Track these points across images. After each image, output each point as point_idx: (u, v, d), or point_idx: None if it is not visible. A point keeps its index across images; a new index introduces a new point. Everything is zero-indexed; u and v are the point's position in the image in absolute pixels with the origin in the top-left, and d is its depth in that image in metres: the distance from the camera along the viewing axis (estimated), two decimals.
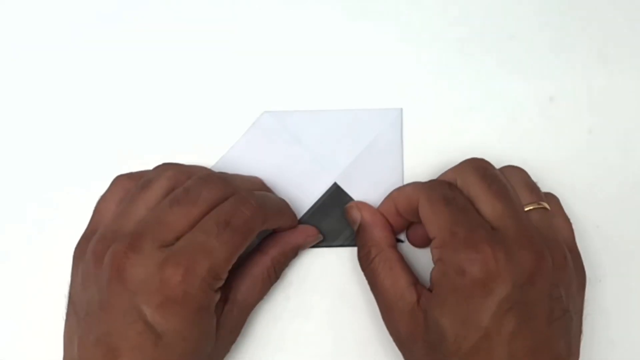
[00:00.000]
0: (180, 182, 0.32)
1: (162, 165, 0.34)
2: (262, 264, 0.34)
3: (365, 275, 0.35)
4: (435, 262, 0.31)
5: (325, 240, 0.37)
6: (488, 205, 0.31)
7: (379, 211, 0.36)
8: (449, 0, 0.39)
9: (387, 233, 0.35)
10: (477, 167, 0.33)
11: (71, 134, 0.39)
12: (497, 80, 0.39)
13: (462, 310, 0.29)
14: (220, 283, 0.30)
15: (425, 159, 0.38)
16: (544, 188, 0.36)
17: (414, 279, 0.33)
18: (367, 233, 0.35)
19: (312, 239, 0.36)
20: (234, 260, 0.30)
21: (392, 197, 0.35)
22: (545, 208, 0.32)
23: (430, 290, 0.32)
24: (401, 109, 0.38)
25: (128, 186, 0.33)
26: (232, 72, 0.39)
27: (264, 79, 0.39)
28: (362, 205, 0.36)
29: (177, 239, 0.30)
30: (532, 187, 0.33)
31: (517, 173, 0.34)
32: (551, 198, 0.35)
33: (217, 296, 0.31)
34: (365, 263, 0.34)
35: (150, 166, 0.34)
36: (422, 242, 0.36)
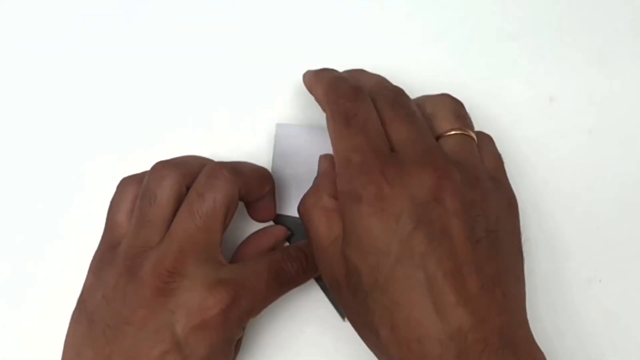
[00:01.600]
0: (182, 186, 0.32)
1: (159, 171, 0.32)
2: None
3: (302, 219, 0.32)
4: (338, 195, 0.30)
5: None
6: (393, 129, 0.30)
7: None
8: (449, 0, 0.39)
9: (330, 183, 0.32)
10: (389, 94, 0.32)
11: (74, 134, 0.39)
12: (497, 80, 0.39)
13: (367, 240, 0.28)
14: (249, 322, 0.31)
15: None
16: (544, 188, 0.36)
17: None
18: (317, 180, 0.33)
19: (281, 239, 0.36)
20: (268, 306, 0.32)
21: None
22: (467, 135, 0.32)
23: None
24: None
25: (136, 191, 0.33)
26: (237, 73, 0.39)
27: (265, 81, 0.39)
28: (327, 155, 0.34)
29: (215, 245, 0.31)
30: (458, 115, 0.32)
31: (446, 101, 0.33)
32: (484, 136, 0.34)
33: (243, 333, 0.32)
34: (303, 207, 0.32)
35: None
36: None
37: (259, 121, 0.38)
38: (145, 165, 0.35)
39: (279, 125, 0.38)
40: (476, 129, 0.38)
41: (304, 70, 0.36)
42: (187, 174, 0.32)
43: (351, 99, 0.31)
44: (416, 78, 0.39)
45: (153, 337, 0.29)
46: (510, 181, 0.36)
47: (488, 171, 0.32)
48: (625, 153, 0.38)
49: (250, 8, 0.39)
